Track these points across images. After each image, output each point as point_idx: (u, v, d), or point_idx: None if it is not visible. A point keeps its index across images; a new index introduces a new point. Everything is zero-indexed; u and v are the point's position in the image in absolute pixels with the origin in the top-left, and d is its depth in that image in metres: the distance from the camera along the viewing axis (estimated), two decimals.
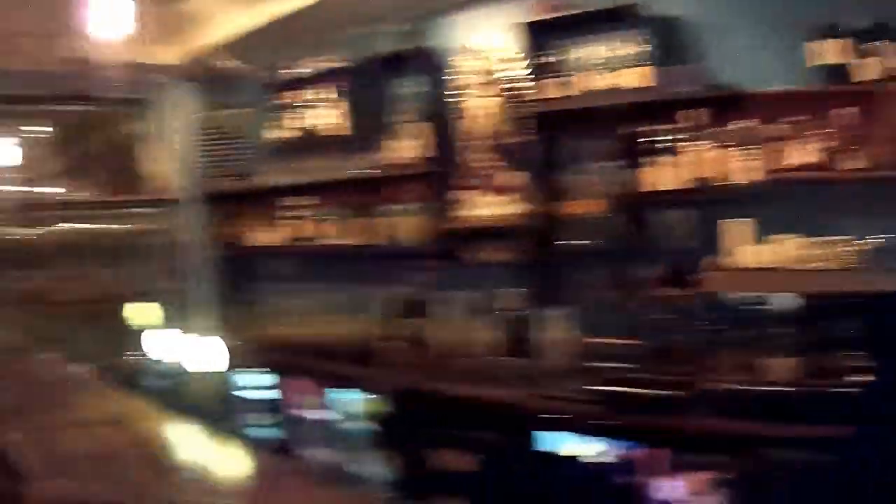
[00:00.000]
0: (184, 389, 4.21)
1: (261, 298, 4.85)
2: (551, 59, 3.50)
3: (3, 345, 3.49)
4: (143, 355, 4.70)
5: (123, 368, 4.58)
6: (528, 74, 3.59)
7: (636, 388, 2.84)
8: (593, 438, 2.88)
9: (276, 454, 3.89)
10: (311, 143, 4.48)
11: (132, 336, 4.71)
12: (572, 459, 2.92)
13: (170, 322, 4.84)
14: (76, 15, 3.40)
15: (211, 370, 4.34)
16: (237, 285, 5.03)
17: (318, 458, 3.97)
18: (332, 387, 3.94)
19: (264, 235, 4.73)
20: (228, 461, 1.99)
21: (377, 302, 4.02)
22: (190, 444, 2.13)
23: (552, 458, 2.96)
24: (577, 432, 2.92)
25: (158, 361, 4.63)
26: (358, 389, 3.79)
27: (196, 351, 4.44)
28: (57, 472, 1.75)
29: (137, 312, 4.94)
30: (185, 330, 4.58)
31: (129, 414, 2.42)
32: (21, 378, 3.02)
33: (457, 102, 3.93)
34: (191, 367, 4.39)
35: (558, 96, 3.42)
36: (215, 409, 4.01)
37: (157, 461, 1.90)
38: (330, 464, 3.90)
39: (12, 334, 3.88)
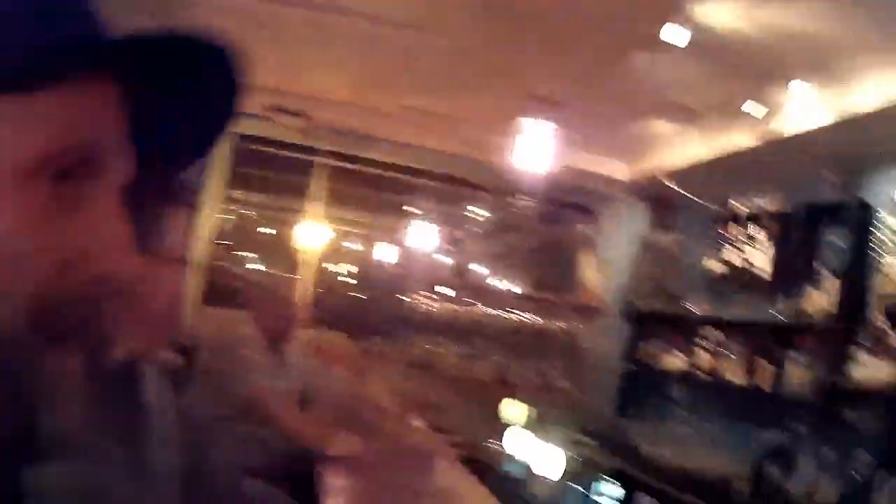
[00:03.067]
0: (528, 491, 4.22)
1: (643, 417, 4.96)
2: None
3: (378, 405, 3.68)
4: (503, 448, 4.70)
5: (483, 455, 4.58)
6: None
7: None
8: None
9: None
10: (734, 279, 4.55)
11: (502, 427, 4.69)
12: None
13: (538, 424, 4.73)
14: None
15: (555, 478, 4.22)
16: (626, 400, 5.14)
17: None
18: None
19: (669, 360, 4.85)
20: None
21: (752, 443, 4.00)
22: None
23: None
24: None
25: (513, 457, 4.60)
26: None
27: (548, 456, 4.36)
28: None
29: (512, 406, 4.97)
30: (547, 435, 4.50)
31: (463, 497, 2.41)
32: (384, 440, 3.20)
33: (876, 260, 3.70)
34: (540, 471, 4.27)
35: None
36: None
37: None
38: None
39: (391, 396, 4.13)
